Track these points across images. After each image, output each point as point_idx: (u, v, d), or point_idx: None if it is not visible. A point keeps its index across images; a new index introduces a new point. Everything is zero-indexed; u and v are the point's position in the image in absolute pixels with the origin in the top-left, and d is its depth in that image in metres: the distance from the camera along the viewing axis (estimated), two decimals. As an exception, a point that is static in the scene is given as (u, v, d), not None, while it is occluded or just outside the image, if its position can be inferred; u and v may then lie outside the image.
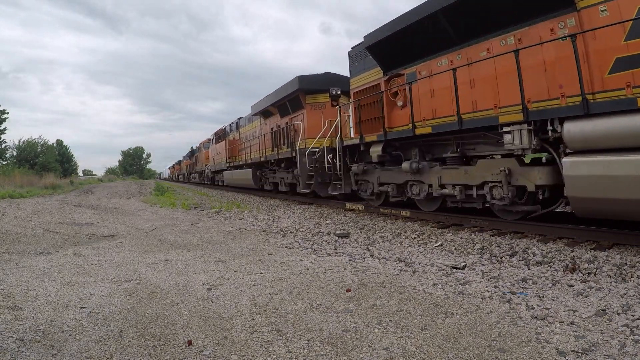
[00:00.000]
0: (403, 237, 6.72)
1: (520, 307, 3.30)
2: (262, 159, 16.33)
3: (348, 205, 10.31)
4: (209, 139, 30.14)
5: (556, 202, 5.68)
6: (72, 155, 62.33)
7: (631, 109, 4.33)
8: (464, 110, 6.44)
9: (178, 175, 60.25)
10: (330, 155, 11.04)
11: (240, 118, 21.47)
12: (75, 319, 3.21)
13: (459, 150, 7.00)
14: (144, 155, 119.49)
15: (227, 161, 22.09)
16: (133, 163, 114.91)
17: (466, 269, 4.66)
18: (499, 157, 6.45)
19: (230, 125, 23.09)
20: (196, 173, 38.96)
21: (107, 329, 3.01)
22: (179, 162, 58.99)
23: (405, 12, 7.43)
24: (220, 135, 25.57)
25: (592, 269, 4.18)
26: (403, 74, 8.01)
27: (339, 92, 10.16)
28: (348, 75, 10.19)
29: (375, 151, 8.42)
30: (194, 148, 41.26)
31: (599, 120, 4.63)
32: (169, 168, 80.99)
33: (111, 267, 4.99)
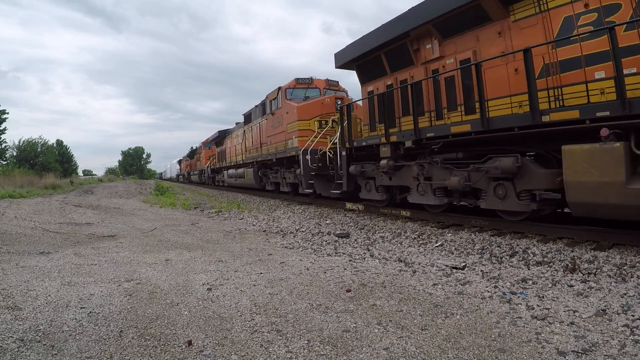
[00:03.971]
0: (403, 237, 6.72)
1: (520, 307, 3.30)
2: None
3: (348, 205, 10.32)
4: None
5: None
6: (72, 155, 62.47)
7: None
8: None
9: (209, 175, 31.03)
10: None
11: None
12: (75, 319, 3.21)
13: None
14: (144, 155, 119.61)
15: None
16: (133, 163, 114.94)
17: (466, 269, 4.66)
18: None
19: None
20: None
21: (107, 329, 3.01)
22: (214, 141, 28.89)
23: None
24: None
25: (592, 269, 4.18)
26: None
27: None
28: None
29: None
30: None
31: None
32: (183, 160, 52.12)
33: (111, 267, 4.99)
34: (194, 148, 43.34)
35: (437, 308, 3.32)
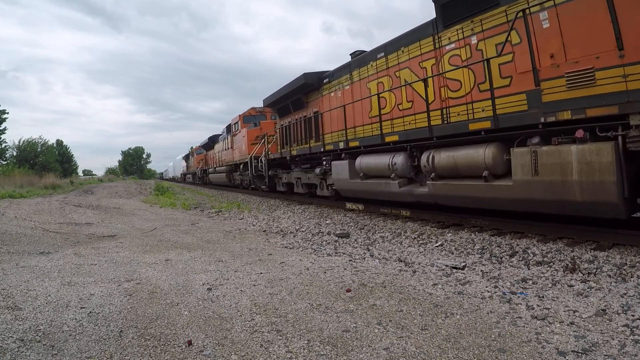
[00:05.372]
0: (403, 237, 6.72)
1: (520, 307, 3.30)
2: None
3: (348, 205, 10.32)
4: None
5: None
6: (72, 155, 62.51)
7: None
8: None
9: (258, 170, 16.03)
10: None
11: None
12: (75, 319, 3.21)
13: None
14: (144, 155, 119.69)
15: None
16: (133, 163, 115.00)
17: (466, 269, 4.66)
18: None
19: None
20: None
21: (107, 329, 3.01)
22: (277, 108, 14.34)
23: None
24: None
25: (592, 269, 4.18)
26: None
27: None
28: None
29: None
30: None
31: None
32: (193, 154, 39.32)
33: (111, 267, 4.99)
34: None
35: (437, 308, 3.32)
